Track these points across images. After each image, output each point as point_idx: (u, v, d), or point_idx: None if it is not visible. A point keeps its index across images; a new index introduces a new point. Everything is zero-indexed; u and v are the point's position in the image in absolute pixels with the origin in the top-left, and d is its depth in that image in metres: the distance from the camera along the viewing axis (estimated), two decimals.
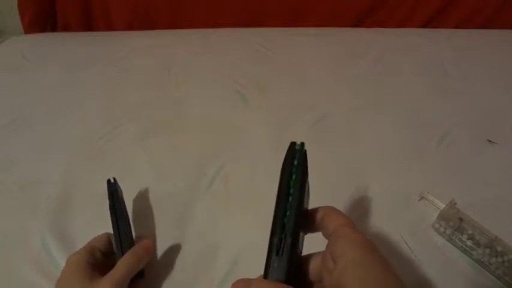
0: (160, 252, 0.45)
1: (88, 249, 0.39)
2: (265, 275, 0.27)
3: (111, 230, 0.42)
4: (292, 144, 0.31)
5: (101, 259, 0.40)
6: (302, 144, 0.31)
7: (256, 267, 0.29)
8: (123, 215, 0.43)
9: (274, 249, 0.28)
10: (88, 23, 0.97)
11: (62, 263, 0.43)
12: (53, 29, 0.98)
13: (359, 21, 0.93)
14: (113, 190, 0.44)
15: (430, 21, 0.91)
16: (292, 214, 0.28)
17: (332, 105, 0.65)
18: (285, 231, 0.28)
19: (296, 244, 0.28)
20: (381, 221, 0.47)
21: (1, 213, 0.50)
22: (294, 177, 0.30)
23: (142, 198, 0.50)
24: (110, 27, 0.97)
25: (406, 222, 0.46)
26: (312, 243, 0.31)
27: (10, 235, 0.47)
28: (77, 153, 0.57)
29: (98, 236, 0.41)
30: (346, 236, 0.28)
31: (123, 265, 0.37)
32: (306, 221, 0.31)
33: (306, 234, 0.32)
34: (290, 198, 0.29)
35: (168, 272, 0.43)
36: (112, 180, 0.45)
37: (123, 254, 0.39)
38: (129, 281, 0.37)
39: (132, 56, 0.81)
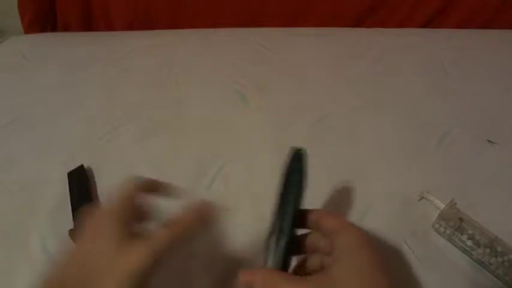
0: None
1: (125, 201, 0.33)
2: (265, 264, 0.31)
3: None
4: (293, 148, 0.35)
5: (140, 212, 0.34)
6: (303, 149, 0.35)
7: (255, 267, 0.29)
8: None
9: (273, 240, 0.32)
10: (88, 23, 0.97)
11: None
12: (53, 29, 0.98)
13: (359, 21, 0.93)
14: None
15: (430, 21, 0.91)
16: (291, 211, 0.32)
17: (332, 105, 0.65)
18: (283, 224, 0.32)
19: (292, 236, 0.32)
20: (381, 221, 0.47)
21: (1, 213, 0.50)
22: (294, 178, 0.33)
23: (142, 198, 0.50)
24: (110, 27, 0.97)
25: (406, 222, 0.46)
26: None
27: (10, 235, 0.47)
28: (77, 153, 0.57)
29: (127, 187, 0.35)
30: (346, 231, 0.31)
31: (168, 232, 0.31)
32: (301, 219, 0.34)
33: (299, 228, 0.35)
34: (290, 197, 0.33)
35: (168, 273, 0.43)
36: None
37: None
38: (169, 250, 0.30)
39: (132, 56, 0.81)
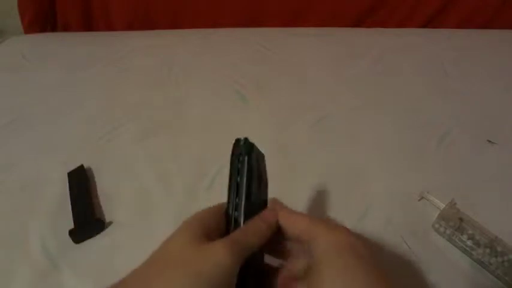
0: None
1: (213, 210, 0.32)
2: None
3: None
4: (237, 141, 0.33)
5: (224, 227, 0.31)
6: (246, 139, 0.33)
7: None
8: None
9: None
10: (88, 23, 0.97)
11: (62, 264, 0.43)
12: (53, 29, 0.98)
13: (359, 21, 0.93)
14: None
15: (430, 21, 0.91)
16: (241, 205, 0.30)
17: (332, 105, 0.65)
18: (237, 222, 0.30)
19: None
20: (381, 221, 0.47)
21: (1, 213, 0.50)
22: (240, 170, 0.31)
23: (142, 198, 0.50)
24: (110, 27, 0.97)
25: (406, 222, 0.46)
26: None
27: (10, 235, 0.47)
28: (77, 153, 0.57)
29: (222, 203, 0.33)
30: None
31: (245, 232, 0.29)
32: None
33: None
34: (241, 190, 0.31)
35: None
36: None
37: None
38: (248, 253, 0.28)
39: (132, 56, 0.81)
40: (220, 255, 0.26)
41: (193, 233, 0.28)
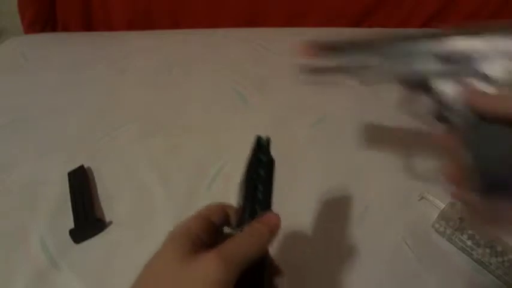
0: None
1: (201, 218, 0.28)
2: None
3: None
4: (259, 138, 0.31)
5: (214, 236, 0.28)
6: (268, 139, 0.31)
7: None
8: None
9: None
10: (88, 23, 0.97)
11: (61, 263, 0.43)
12: (53, 29, 0.98)
13: (359, 21, 0.93)
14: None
15: (430, 21, 0.91)
16: (259, 211, 0.28)
17: (332, 105, 0.65)
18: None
19: None
20: (381, 221, 0.47)
21: (1, 213, 0.50)
22: (262, 172, 0.29)
23: (142, 198, 0.50)
24: (110, 27, 0.97)
25: (406, 222, 0.46)
26: None
27: (10, 235, 0.47)
28: (77, 153, 0.57)
29: (212, 206, 0.30)
30: None
31: (240, 239, 0.26)
32: None
33: None
34: (259, 195, 0.28)
35: None
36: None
37: None
38: (245, 265, 0.25)
39: (132, 56, 0.81)
40: (211, 271, 0.23)
41: (179, 247, 0.25)
